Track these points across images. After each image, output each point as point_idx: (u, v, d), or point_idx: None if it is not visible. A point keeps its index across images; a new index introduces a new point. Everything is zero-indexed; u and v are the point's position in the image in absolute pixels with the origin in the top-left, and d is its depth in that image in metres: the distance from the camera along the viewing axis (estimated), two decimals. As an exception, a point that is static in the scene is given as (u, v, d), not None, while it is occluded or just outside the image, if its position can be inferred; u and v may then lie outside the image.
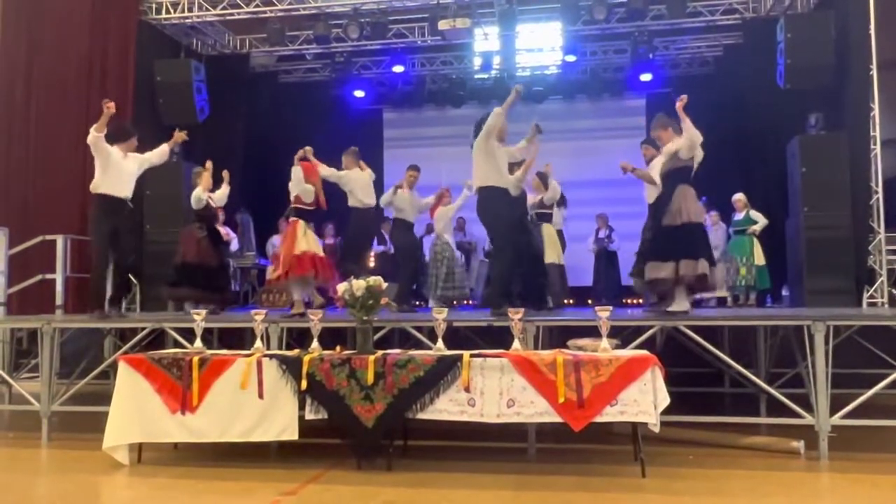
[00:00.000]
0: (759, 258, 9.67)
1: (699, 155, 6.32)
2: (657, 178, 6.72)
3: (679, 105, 6.28)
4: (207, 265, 7.86)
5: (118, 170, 7.02)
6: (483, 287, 9.84)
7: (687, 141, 6.23)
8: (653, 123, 6.91)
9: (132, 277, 8.88)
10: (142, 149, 7.44)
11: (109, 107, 6.74)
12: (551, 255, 8.18)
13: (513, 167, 7.27)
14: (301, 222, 7.17)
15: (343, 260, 8.27)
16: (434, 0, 10.21)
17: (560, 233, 9.04)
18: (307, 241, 7.12)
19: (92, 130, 6.79)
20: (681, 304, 6.16)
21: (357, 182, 8.06)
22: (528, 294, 7.18)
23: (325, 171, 7.76)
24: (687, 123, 6.23)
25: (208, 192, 7.99)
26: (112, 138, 6.99)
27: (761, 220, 9.72)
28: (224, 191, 8.22)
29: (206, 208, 7.91)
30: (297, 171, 7.17)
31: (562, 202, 8.79)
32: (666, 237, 6.26)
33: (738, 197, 9.94)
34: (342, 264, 8.05)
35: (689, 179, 6.32)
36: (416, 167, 8.83)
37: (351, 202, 8.10)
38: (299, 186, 7.18)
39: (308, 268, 7.03)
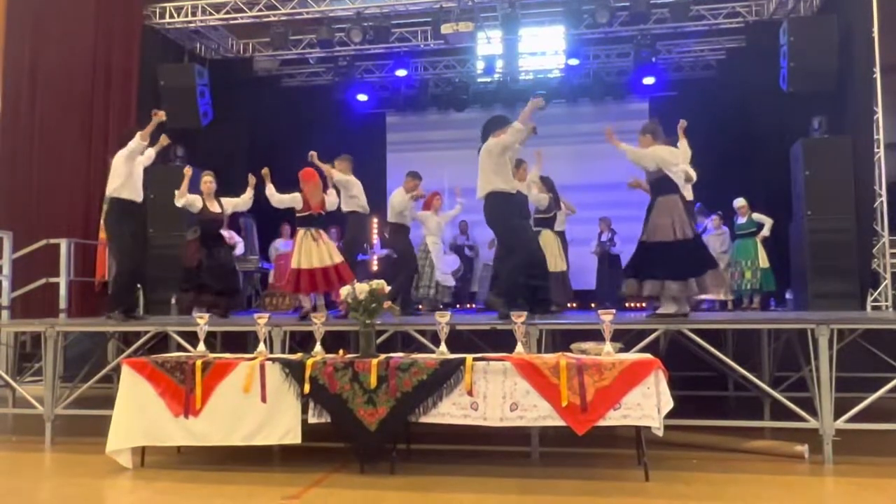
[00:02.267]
0: (764, 261, 9.66)
1: (663, 160, 6.24)
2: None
3: (609, 139, 6.49)
4: (206, 269, 7.81)
5: (138, 175, 7.18)
6: (487, 290, 9.84)
7: (654, 153, 6.24)
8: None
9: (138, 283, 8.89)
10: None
11: (160, 115, 6.93)
12: (551, 263, 8.13)
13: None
14: (300, 232, 7.14)
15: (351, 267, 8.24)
16: (437, 4, 10.22)
17: (562, 234, 9.02)
18: (301, 254, 7.05)
19: (138, 137, 6.94)
20: (668, 307, 6.15)
21: (359, 187, 8.05)
22: (531, 298, 7.15)
23: (337, 175, 7.73)
24: (621, 147, 6.45)
25: (209, 196, 7.94)
26: (125, 143, 7.05)
27: (767, 222, 9.70)
28: (248, 195, 8.11)
29: (202, 212, 7.87)
30: (268, 189, 7.14)
31: (557, 205, 8.77)
32: (643, 254, 6.27)
33: (740, 203, 9.90)
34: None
35: (670, 189, 6.25)
36: (417, 175, 8.78)
37: (349, 207, 8.02)
38: (275, 199, 7.15)
39: (299, 287, 7.02)
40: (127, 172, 7.03)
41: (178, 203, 7.69)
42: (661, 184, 6.29)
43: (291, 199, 7.13)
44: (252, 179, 7.95)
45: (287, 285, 7.12)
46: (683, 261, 6.11)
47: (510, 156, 7.00)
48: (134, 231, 7.23)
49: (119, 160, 7.04)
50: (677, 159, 6.33)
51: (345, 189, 7.92)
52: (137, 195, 7.18)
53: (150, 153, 7.48)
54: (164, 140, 7.58)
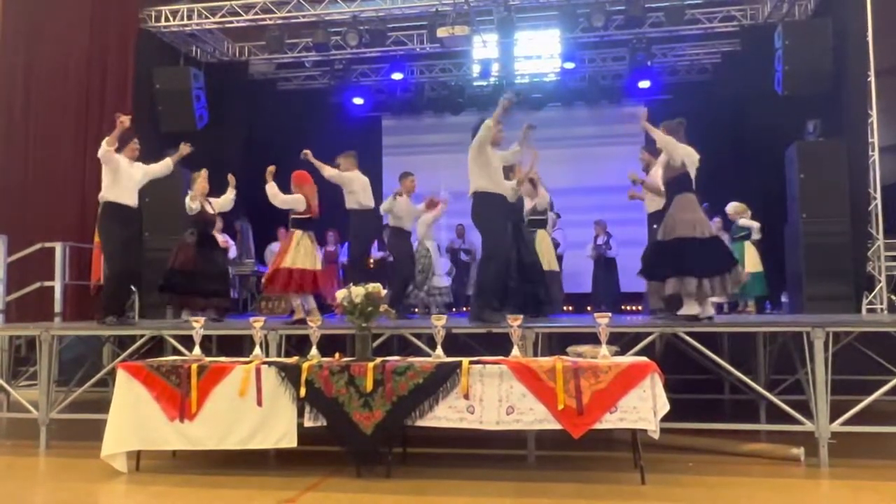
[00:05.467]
0: (752, 265, 9.60)
1: (691, 160, 6.20)
2: (661, 186, 6.66)
3: (641, 120, 6.25)
4: (198, 272, 7.76)
5: (126, 178, 7.13)
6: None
7: (685, 150, 6.18)
8: None
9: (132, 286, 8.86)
10: (142, 157, 7.46)
11: (123, 121, 6.87)
12: (546, 262, 8.16)
13: (507, 172, 7.25)
14: (297, 232, 7.14)
15: (352, 266, 8.25)
16: (433, 8, 10.23)
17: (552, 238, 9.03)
18: (298, 254, 7.06)
19: (104, 144, 6.89)
20: (690, 308, 6.08)
21: (359, 183, 8.05)
22: (524, 302, 7.15)
23: (328, 171, 7.75)
24: (654, 132, 6.20)
25: (203, 197, 7.93)
26: (123, 146, 7.05)
27: (753, 227, 9.68)
28: (229, 196, 8.13)
29: (200, 214, 7.87)
30: (269, 188, 7.14)
31: (551, 207, 8.79)
32: (660, 253, 6.22)
33: (728, 209, 9.91)
34: (352, 271, 8.06)
35: (689, 188, 6.18)
36: (411, 173, 8.82)
37: (350, 204, 8.04)
38: (278, 199, 7.16)
39: (285, 286, 7.01)
40: (111, 177, 7.01)
41: (195, 205, 7.74)
42: (681, 181, 6.20)
43: (294, 201, 7.15)
44: (232, 180, 8.00)
45: (279, 285, 7.05)
46: (701, 259, 5.98)
47: (501, 158, 7.01)
48: (125, 235, 7.16)
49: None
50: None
51: (343, 186, 7.93)
52: (128, 199, 7.12)
53: (168, 163, 7.57)
54: (183, 149, 7.60)
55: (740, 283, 6.25)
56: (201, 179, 7.92)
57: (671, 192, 6.28)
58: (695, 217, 6.10)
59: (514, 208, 7.50)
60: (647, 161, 7.45)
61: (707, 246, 6.05)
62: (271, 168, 7.18)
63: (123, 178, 7.08)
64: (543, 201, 8.43)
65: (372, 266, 10.88)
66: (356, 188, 7.99)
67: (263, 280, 7.18)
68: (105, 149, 6.88)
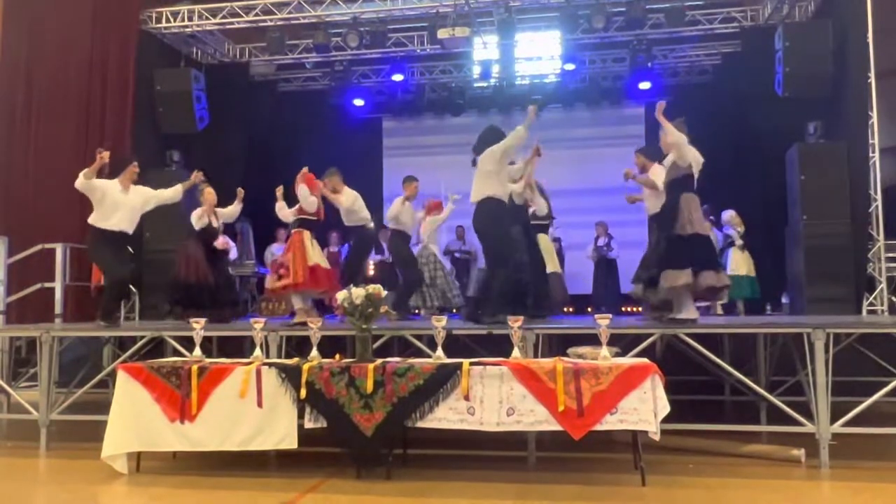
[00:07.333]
0: (743, 269, 9.64)
1: (697, 161, 6.22)
2: (659, 185, 6.66)
3: (658, 111, 6.25)
4: (204, 282, 7.75)
5: (114, 204, 7.08)
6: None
7: (675, 147, 6.20)
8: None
9: (131, 287, 8.85)
10: (142, 158, 7.48)
11: (103, 157, 6.87)
12: (549, 264, 8.17)
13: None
14: (307, 233, 7.18)
15: (343, 275, 8.24)
16: (433, 9, 10.23)
17: (557, 240, 9.04)
18: (315, 252, 7.11)
19: (81, 175, 6.89)
20: (689, 311, 6.10)
21: (357, 201, 8.03)
22: (528, 303, 7.15)
23: (342, 203, 7.78)
24: (668, 127, 6.18)
25: (211, 209, 7.92)
26: (112, 172, 7.09)
27: (735, 237, 9.74)
28: (235, 208, 8.12)
29: (205, 228, 7.86)
30: (302, 189, 7.18)
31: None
32: (680, 246, 6.21)
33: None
34: (343, 280, 8.04)
35: (692, 188, 6.21)
36: (414, 178, 8.81)
37: (353, 220, 8.02)
38: (307, 201, 7.21)
39: (321, 282, 7.07)
40: (96, 204, 7.03)
41: (198, 226, 7.78)
42: (686, 181, 6.23)
43: (309, 204, 7.20)
44: (240, 193, 7.96)
45: (311, 281, 7.06)
46: (714, 256, 6.20)
47: (514, 175, 7.07)
48: (113, 251, 7.15)
49: None
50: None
51: (343, 208, 7.92)
52: (114, 224, 7.08)
53: (179, 189, 7.61)
54: (196, 177, 7.68)
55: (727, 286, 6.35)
56: (208, 193, 7.91)
57: (676, 190, 6.28)
58: (702, 216, 6.25)
59: (520, 210, 7.53)
60: (641, 163, 7.45)
61: (712, 245, 6.27)
62: (280, 189, 7.32)
63: (108, 204, 7.04)
64: (542, 208, 8.42)
65: (372, 270, 10.90)
66: (356, 206, 7.96)
67: (293, 276, 7.05)
68: (81, 180, 6.88)
